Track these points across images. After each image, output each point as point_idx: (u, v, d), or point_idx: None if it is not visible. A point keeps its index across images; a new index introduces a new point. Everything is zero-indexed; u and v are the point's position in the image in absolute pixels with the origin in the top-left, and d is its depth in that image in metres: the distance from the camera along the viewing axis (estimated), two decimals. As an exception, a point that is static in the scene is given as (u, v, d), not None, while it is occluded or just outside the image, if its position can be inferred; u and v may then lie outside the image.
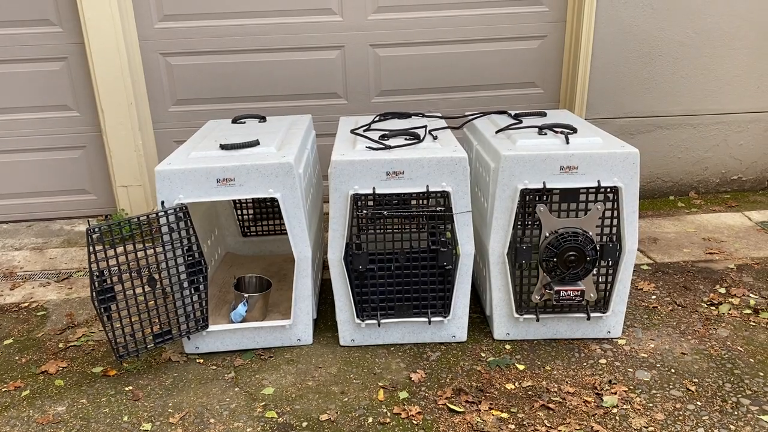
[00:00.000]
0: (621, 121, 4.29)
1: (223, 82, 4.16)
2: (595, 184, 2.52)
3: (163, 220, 2.49)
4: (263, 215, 3.57)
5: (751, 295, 3.12)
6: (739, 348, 2.69)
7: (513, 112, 3.18)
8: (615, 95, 4.23)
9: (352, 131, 2.93)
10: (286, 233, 2.60)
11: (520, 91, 4.31)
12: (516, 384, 2.49)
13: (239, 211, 3.52)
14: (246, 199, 3.48)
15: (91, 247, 2.35)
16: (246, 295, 2.78)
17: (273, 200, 3.47)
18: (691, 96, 4.28)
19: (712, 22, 4.11)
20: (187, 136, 3.94)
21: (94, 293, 2.39)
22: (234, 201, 3.48)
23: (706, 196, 4.51)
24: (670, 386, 2.45)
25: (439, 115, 3.32)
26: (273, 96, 4.21)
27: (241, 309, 2.75)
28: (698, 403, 2.36)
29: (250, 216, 3.55)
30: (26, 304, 3.28)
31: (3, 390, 2.57)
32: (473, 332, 2.84)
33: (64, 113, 4.15)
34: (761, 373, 2.51)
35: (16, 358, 2.80)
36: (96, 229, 2.37)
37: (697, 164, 4.45)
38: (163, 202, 2.52)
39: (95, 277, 2.38)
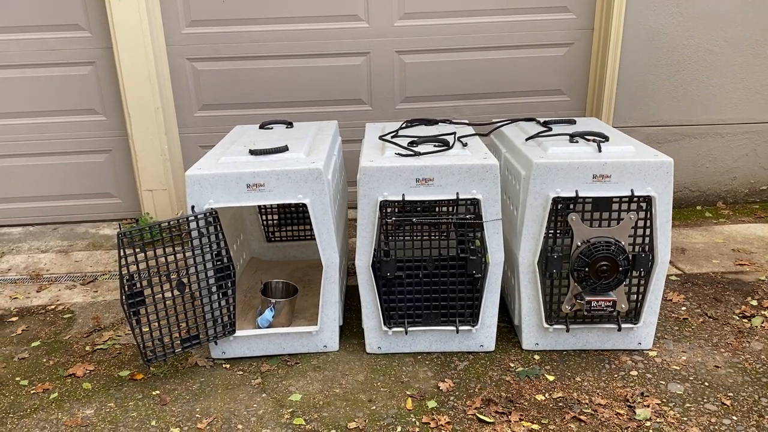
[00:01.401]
0: (649, 129, 4.24)
1: (248, 88, 4.17)
2: (629, 193, 2.48)
3: (193, 225, 2.49)
4: (288, 221, 3.56)
5: (784, 307, 3.06)
6: (774, 362, 2.63)
7: (542, 120, 3.15)
8: (643, 103, 4.19)
9: (381, 137, 2.92)
10: (311, 239, 2.60)
11: (547, 98, 4.28)
12: (546, 395, 2.46)
13: (264, 217, 3.52)
14: (271, 205, 3.48)
15: (121, 251, 2.35)
16: (273, 300, 2.78)
17: (298, 206, 3.47)
18: (721, 105, 4.23)
19: (743, 31, 4.06)
20: (213, 141, 3.97)
21: (123, 297, 2.40)
22: (259, 206, 3.48)
23: (734, 206, 4.44)
24: (705, 400, 2.41)
25: (467, 122, 3.30)
26: (298, 102, 4.22)
27: (268, 314, 2.75)
28: (734, 417, 2.31)
29: (275, 221, 3.55)
30: (53, 307, 3.30)
31: (32, 392, 2.58)
32: (501, 342, 2.81)
33: (91, 117, 4.19)
34: (798, 388, 2.46)
35: (44, 360, 2.82)
36: (127, 233, 2.38)
37: (725, 174, 4.39)
38: (193, 207, 2.52)
39: (125, 281, 2.39)
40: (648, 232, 2.54)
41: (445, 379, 2.57)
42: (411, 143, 2.74)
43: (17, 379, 2.68)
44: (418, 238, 2.71)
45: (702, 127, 4.28)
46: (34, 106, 4.14)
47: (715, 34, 4.06)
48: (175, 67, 4.10)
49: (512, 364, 2.66)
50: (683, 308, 3.09)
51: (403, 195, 2.52)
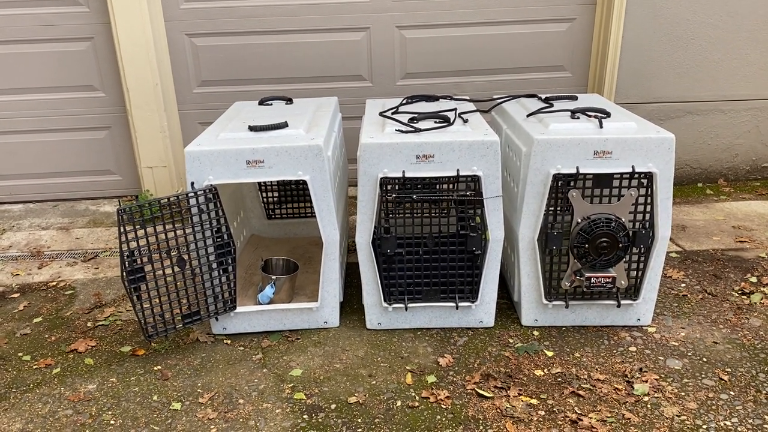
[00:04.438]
0: (650, 106, 4.21)
1: (247, 64, 4.13)
2: (629, 170, 2.47)
3: (192, 201, 2.49)
4: (288, 198, 3.56)
5: (783, 284, 3.07)
6: (772, 338, 2.64)
7: (543, 96, 3.13)
8: (645, 80, 4.15)
9: (381, 114, 2.90)
10: (311, 216, 2.59)
11: (548, 74, 4.25)
12: (545, 370, 2.47)
13: (264, 194, 3.52)
14: (271, 182, 3.47)
15: (121, 227, 2.35)
16: (274, 277, 2.78)
17: (298, 183, 3.46)
18: (724, 81, 4.19)
19: (747, 5, 4.01)
20: (212, 117, 3.95)
21: (124, 273, 2.40)
22: (259, 183, 3.47)
23: (735, 183, 4.43)
24: (702, 375, 2.42)
25: (468, 98, 3.28)
26: (297, 78, 4.19)
27: (269, 291, 2.76)
28: (731, 392, 2.33)
29: (275, 198, 3.55)
30: (54, 283, 3.32)
31: (34, 367, 2.60)
32: (500, 318, 2.82)
33: (90, 93, 4.16)
34: (795, 364, 2.47)
35: (46, 336, 2.83)
36: (126, 209, 2.37)
37: (727, 151, 4.37)
38: (193, 183, 2.51)
39: (125, 257, 2.39)
40: (648, 208, 2.54)
41: (445, 355, 2.58)
42: (411, 119, 2.73)
43: (20, 354, 2.70)
44: (419, 214, 2.71)
45: (704, 103, 4.25)
46: (31, 82, 4.11)
47: (719, 9, 4.01)
48: (174, 43, 4.06)
49: (511, 340, 2.68)
50: (683, 285, 3.10)
51: (404, 172, 2.51)
